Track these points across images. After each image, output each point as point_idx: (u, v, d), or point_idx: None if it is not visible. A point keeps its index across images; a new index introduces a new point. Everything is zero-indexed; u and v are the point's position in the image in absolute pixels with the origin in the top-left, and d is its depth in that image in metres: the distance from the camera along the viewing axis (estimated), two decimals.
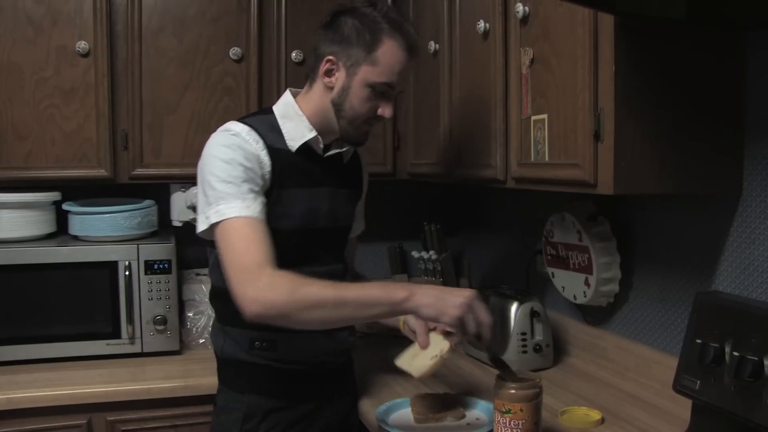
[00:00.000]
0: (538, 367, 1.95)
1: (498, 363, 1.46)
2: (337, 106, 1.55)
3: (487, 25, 1.76)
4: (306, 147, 1.57)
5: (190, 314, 2.32)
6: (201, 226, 1.47)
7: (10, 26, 2.06)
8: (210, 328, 2.25)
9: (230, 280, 1.38)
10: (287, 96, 1.62)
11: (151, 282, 2.15)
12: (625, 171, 1.36)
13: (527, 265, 2.25)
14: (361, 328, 2.28)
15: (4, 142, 2.09)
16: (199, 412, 1.96)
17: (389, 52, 1.52)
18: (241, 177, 1.45)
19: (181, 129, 2.22)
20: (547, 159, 1.55)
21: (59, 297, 2.10)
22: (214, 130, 2.17)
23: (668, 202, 1.72)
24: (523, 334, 1.95)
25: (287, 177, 1.53)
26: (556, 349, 2.04)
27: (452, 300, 1.35)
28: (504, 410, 1.38)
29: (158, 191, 2.35)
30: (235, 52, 2.24)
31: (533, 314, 1.97)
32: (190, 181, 2.26)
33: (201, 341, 2.29)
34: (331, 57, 1.54)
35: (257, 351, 1.57)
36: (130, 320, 2.13)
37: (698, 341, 1.39)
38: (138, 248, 2.15)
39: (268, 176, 1.50)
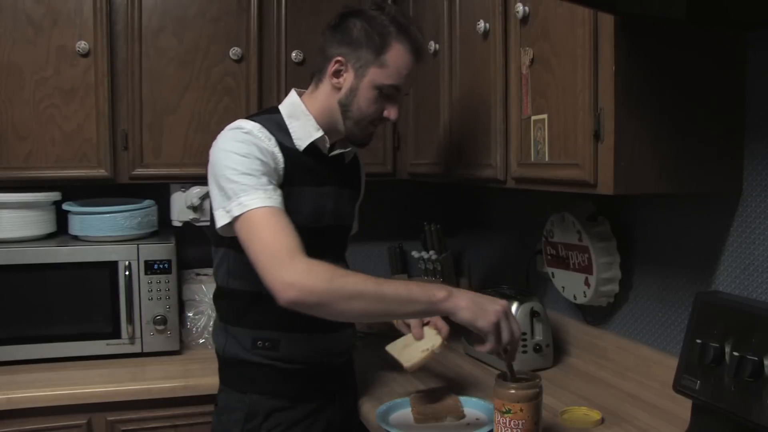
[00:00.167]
0: (538, 367, 1.94)
1: (509, 369, 1.46)
2: (344, 106, 1.57)
3: (487, 25, 1.76)
4: (312, 146, 1.58)
5: (190, 314, 2.32)
6: (221, 221, 1.44)
7: (10, 26, 2.06)
8: (210, 328, 2.26)
9: (263, 269, 1.34)
10: (293, 96, 1.63)
11: (151, 282, 2.15)
12: (625, 171, 1.36)
13: (527, 265, 2.25)
14: (361, 328, 2.28)
15: (4, 142, 2.09)
16: (199, 412, 1.96)
17: (397, 55, 1.54)
18: (260, 170, 1.44)
19: (181, 129, 2.22)
20: (547, 159, 1.55)
21: (59, 297, 2.10)
22: (214, 130, 2.17)
23: (668, 202, 1.72)
24: (523, 334, 1.95)
25: (296, 176, 1.54)
26: (556, 349, 2.04)
27: (489, 306, 1.36)
28: (504, 410, 1.38)
29: (158, 191, 2.35)
30: (235, 52, 2.24)
31: (533, 314, 1.97)
32: (190, 181, 2.27)
33: (201, 341, 2.29)
34: (339, 58, 1.55)
35: (259, 350, 1.57)
36: (130, 320, 2.13)
37: (698, 341, 1.39)
38: (138, 248, 2.15)
39: (281, 172, 1.51)
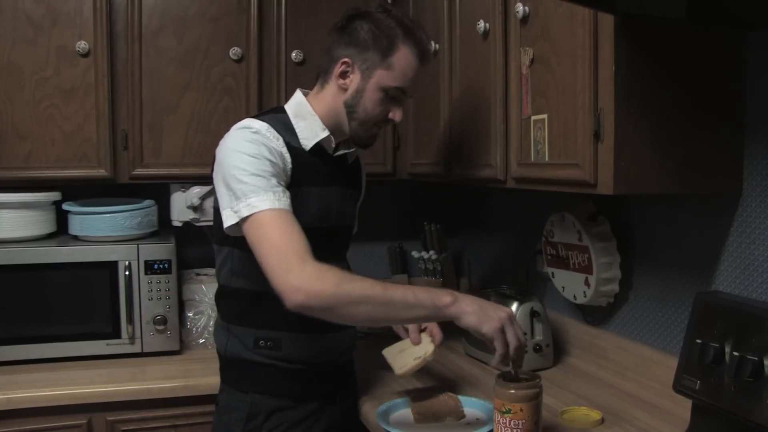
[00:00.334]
0: (538, 367, 1.94)
1: (516, 374, 1.45)
2: (350, 107, 1.58)
3: (487, 25, 1.76)
4: (317, 146, 1.58)
5: (190, 314, 2.32)
6: (229, 221, 1.44)
7: (10, 26, 2.06)
8: (210, 328, 2.26)
9: (271, 271, 1.35)
10: (299, 96, 1.64)
11: (151, 282, 2.15)
12: (625, 171, 1.36)
13: (527, 265, 2.25)
14: (361, 329, 2.28)
15: (4, 142, 2.09)
16: (199, 412, 1.96)
17: (404, 58, 1.55)
18: (269, 171, 1.45)
19: (181, 129, 2.22)
20: (547, 159, 1.55)
21: (59, 297, 2.10)
22: (214, 130, 2.22)
23: (668, 202, 1.72)
24: (524, 334, 1.95)
25: (303, 176, 1.54)
26: (556, 349, 2.04)
27: (494, 312, 1.38)
28: (504, 410, 1.38)
29: (158, 191, 2.35)
30: (235, 52, 2.24)
31: (533, 314, 1.97)
32: (190, 181, 2.27)
33: (201, 341, 2.29)
34: (346, 59, 1.56)
35: (261, 350, 1.57)
36: (130, 320, 2.13)
37: (698, 341, 1.39)
38: (138, 248, 2.15)
39: (289, 173, 1.51)
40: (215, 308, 1.70)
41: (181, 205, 2.32)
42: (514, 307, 1.96)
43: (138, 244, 2.15)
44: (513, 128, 1.69)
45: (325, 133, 1.59)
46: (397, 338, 1.80)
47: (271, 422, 1.58)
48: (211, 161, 1.56)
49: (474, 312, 1.37)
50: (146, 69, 2.18)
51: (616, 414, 1.64)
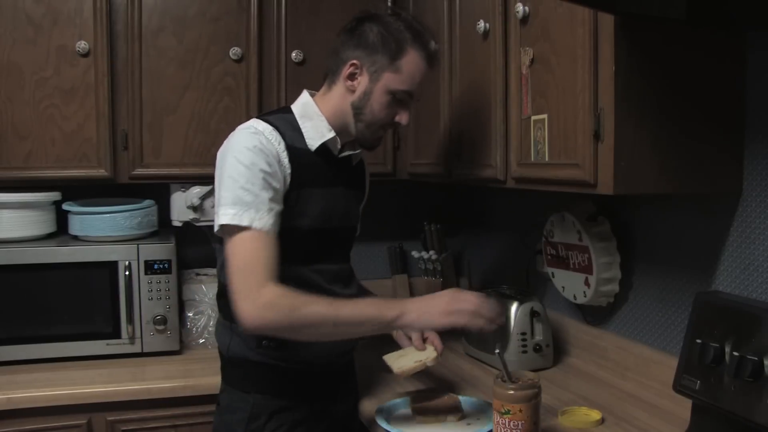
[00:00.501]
0: (538, 367, 1.95)
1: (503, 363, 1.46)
2: (357, 109, 1.58)
3: (487, 25, 1.76)
4: (323, 147, 1.58)
5: (190, 314, 2.32)
6: (215, 224, 1.48)
7: (10, 26, 2.06)
8: (210, 328, 2.26)
9: (232, 291, 1.42)
10: (305, 96, 1.64)
11: (151, 282, 2.15)
12: (625, 171, 1.36)
13: (527, 265, 2.25)
14: None
15: (4, 142, 2.08)
16: (199, 412, 1.96)
17: (412, 62, 1.56)
18: (260, 184, 1.46)
19: (181, 129, 2.22)
20: (547, 159, 1.55)
21: (59, 297, 2.10)
22: (214, 130, 2.22)
23: (668, 202, 1.72)
24: (523, 334, 1.95)
25: (306, 177, 1.55)
26: (556, 349, 2.04)
27: (436, 306, 1.46)
28: (503, 411, 1.38)
29: (158, 191, 2.35)
30: (235, 52, 2.24)
31: (533, 314, 1.97)
32: (190, 181, 2.27)
33: (201, 341, 2.29)
34: (355, 61, 1.56)
35: (265, 350, 1.57)
36: (130, 320, 2.13)
37: (698, 341, 1.39)
38: (138, 248, 2.15)
39: (288, 177, 1.51)
40: (215, 308, 1.70)
41: (181, 205, 2.32)
42: (514, 307, 1.96)
43: (138, 244, 2.15)
44: (513, 128, 1.69)
45: (331, 134, 1.59)
46: (397, 344, 1.80)
47: (273, 423, 1.57)
48: (212, 161, 1.56)
49: (419, 318, 1.45)
50: (146, 69, 2.18)
51: (616, 414, 1.64)
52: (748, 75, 1.45)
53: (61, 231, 2.28)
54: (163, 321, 2.15)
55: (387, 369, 1.73)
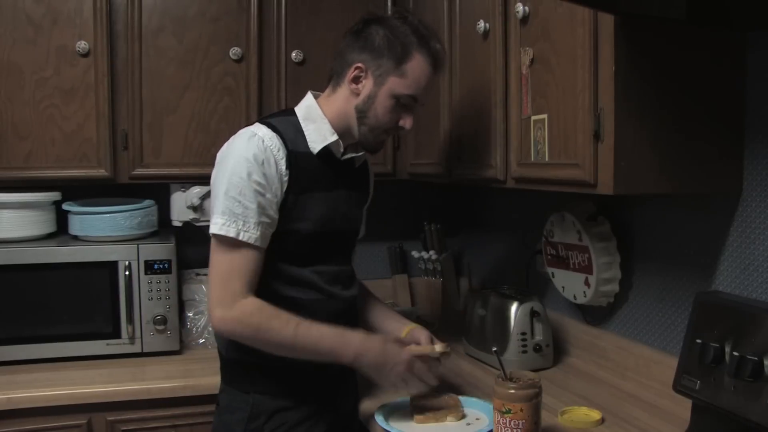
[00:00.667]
0: (538, 367, 1.95)
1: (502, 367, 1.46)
2: (361, 112, 1.58)
3: (487, 25, 1.76)
4: (325, 150, 1.58)
5: (190, 314, 2.32)
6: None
7: (10, 26, 2.06)
8: (210, 328, 2.26)
9: (208, 296, 1.51)
10: (309, 98, 1.64)
11: (151, 282, 2.15)
12: (625, 171, 1.36)
13: (527, 265, 2.25)
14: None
15: (4, 142, 2.09)
16: (199, 412, 1.96)
17: (417, 66, 1.55)
18: (251, 196, 1.47)
19: (181, 129, 2.22)
20: (547, 159, 1.55)
21: (59, 297, 2.10)
22: (214, 130, 2.22)
23: (668, 202, 1.72)
24: (523, 334, 1.95)
25: (306, 181, 1.55)
26: (556, 349, 2.04)
27: (392, 369, 1.53)
28: (504, 410, 1.38)
29: (158, 191, 2.35)
30: (235, 52, 2.24)
31: (533, 314, 1.97)
32: (190, 181, 2.27)
33: (201, 341, 2.29)
34: (360, 64, 1.56)
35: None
36: (130, 320, 2.13)
37: (698, 341, 1.39)
38: (138, 248, 2.15)
39: (285, 183, 1.52)
40: None
41: (181, 205, 2.32)
42: (514, 307, 1.96)
43: (138, 244, 2.15)
44: (513, 128, 1.69)
45: (334, 137, 1.59)
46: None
47: (273, 423, 1.57)
48: (212, 161, 1.57)
49: (372, 371, 1.54)
50: (146, 69, 2.18)
51: (616, 414, 1.64)
52: (748, 75, 1.45)
53: (61, 231, 2.28)
54: (163, 321, 2.15)
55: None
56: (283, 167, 1.51)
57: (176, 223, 2.35)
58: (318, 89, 1.67)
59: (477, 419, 1.62)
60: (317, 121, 1.59)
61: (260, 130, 1.52)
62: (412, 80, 1.55)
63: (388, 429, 1.55)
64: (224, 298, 1.46)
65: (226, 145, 1.55)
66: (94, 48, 2.12)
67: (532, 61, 1.59)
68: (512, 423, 1.37)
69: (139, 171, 2.20)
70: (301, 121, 1.59)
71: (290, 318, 1.48)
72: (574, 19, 1.42)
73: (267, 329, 1.46)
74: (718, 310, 1.39)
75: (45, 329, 2.09)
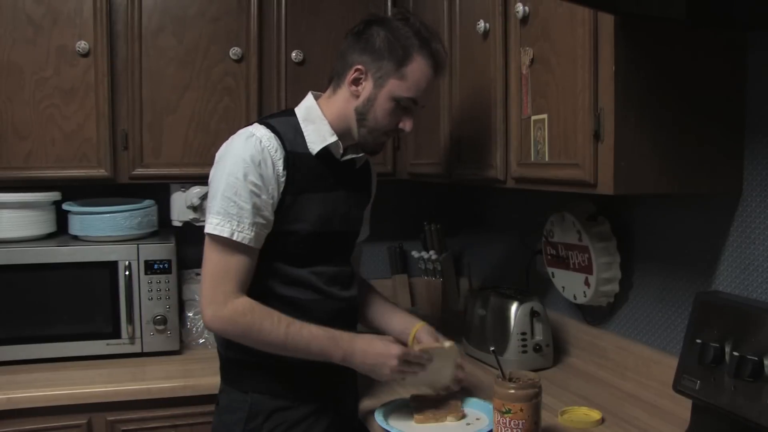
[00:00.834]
0: (538, 367, 1.95)
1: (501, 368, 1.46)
2: (361, 115, 1.58)
3: (487, 25, 1.76)
4: (325, 151, 1.58)
5: (190, 314, 2.32)
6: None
7: (10, 26, 2.06)
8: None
9: (201, 294, 1.51)
10: (309, 99, 1.64)
11: (151, 282, 2.15)
12: (625, 171, 1.36)
13: (527, 265, 2.25)
14: (361, 329, 2.27)
15: (4, 142, 2.09)
16: (199, 412, 1.96)
17: (418, 69, 1.55)
18: (247, 197, 1.47)
19: (181, 129, 2.22)
20: (547, 159, 1.55)
21: (59, 297, 2.10)
22: (214, 130, 2.22)
23: (668, 202, 1.72)
24: (523, 334, 1.95)
25: (304, 182, 1.55)
26: (556, 349, 2.04)
27: (382, 364, 1.52)
28: (504, 410, 1.38)
29: (158, 191, 2.35)
30: (235, 52, 2.24)
31: (533, 314, 1.97)
32: (190, 181, 2.27)
33: (201, 341, 2.30)
34: (359, 66, 1.56)
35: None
36: (130, 320, 2.13)
37: (698, 341, 1.39)
38: (138, 248, 2.15)
39: (282, 184, 1.52)
40: None
41: (181, 205, 2.32)
42: (514, 307, 1.96)
43: (138, 244, 2.15)
44: (513, 128, 1.69)
45: (333, 138, 1.59)
46: None
47: (271, 422, 1.58)
48: (212, 161, 1.57)
49: (363, 370, 1.55)
50: (146, 69, 2.18)
51: (616, 414, 1.64)
52: (748, 75, 1.45)
53: (61, 231, 2.28)
54: (163, 321, 2.15)
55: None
56: (281, 168, 1.51)
57: (176, 223, 2.35)
58: (318, 89, 1.67)
59: (477, 419, 1.62)
60: (316, 122, 1.59)
61: (258, 131, 1.52)
62: (413, 83, 1.55)
63: (388, 429, 1.55)
64: (216, 298, 1.47)
65: (224, 145, 1.55)
66: (94, 48, 2.12)
67: (532, 61, 1.59)
68: (512, 423, 1.37)
69: (139, 171, 2.20)
70: (300, 122, 1.59)
71: (281, 318, 1.49)
72: (574, 19, 1.42)
73: (258, 329, 1.47)
74: (718, 310, 1.39)
75: (45, 329, 2.09)
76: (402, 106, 1.57)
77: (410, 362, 1.56)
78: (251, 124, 1.59)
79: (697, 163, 1.43)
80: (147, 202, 2.28)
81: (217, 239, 1.49)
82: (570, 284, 1.97)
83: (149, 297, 2.15)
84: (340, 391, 1.69)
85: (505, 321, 1.97)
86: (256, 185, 1.48)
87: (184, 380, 1.98)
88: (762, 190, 1.45)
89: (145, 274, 2.15)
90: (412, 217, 2.78)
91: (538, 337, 1.97)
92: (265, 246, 1.53)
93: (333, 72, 1.64)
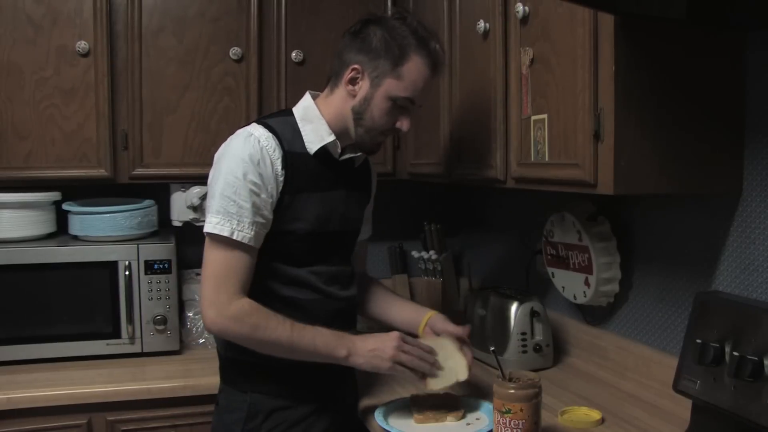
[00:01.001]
0: (538, 367, 1.94)
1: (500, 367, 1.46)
2: (358, 114, 1.58)
3: (487, 25, 1.76)
4: (323, 150, 1.58)
5: (190, 314, 2.32)
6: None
7: (10, 26, 2.06)
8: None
9: (201, 296, 1.49)
10: (307, 99, 1.64)
11: (151, 282, 2.15)
12: (625, 171, 1.36)
13: (527, 265, 2.25)
14: (361, 329, 2.28)
15: (4, 142, 2.09)
16: (199, 412, 1.96)
17: (415, 69, 1.54)
18: (246, 196, 1.47)
19: (181, 129, 2.22)
20: (547, 159, 1.55)
21: (59, 297, 2.10)
22: (214, 130, 2.22)
23: (668, 202, 1.72)
24: (523, 334, 1.95)
25: (302, 181, 1.55)
26: (556, 349, 2.04)
27: (382, 352, 1.51)
28: (504, 410, 1.38)
29: (158, 191, 2.35)
30: (235, 52, 2.24)
31: (533, 314, 1.97)
32: (190, 181, 2.27)
33: (201, 341, 2.30)
34: (356, 66, 1.55)
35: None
36: (130, 320, 2.13)
37: (698, 341, 1.39)
38: (138, 248, 2.15)
39: (281, 184, 1.52)
40: None
41: (181, 205, 2.32)
42: (514, 307, 1.96)
43: (138, 244, 2.15)
44: (513, 128, 1.69)
45: (331, 138, 1.59)
46: None
47: (271, 422, 1.58)
48: (212, 161, 1.57)
49: (366, 362, 1.52)
50: (146, 69, 2.18)
51: (616, 414, 1.64)
52: (748, 75, 1.45)
53: (61, 231, 2.28)
54: (163, 321, 2.15)
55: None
56: (279, 167, 1.51)
57: (176, 223, 2.35)
58: (318, 89, 1.67)
59: (477, 419, 1.62)
60: (314, 122, 1.59)
61: (257, 131, 1.52)
62: (409, 82, 1.54)
63: (388, 429, 1.55)
64: (218, 298, 1.46)
65: (223, 145, 1.55)
66: (94, 48, 2.12)
67: (532, 61, 1.59)
68: (512, 423, 1.37)
69: (139, 171, 2.20)
70: (298, 122, 1.59)
71: (285, 318, 1.49)
72: (574, 19, 1.42)
73: (264, 330, 1.46)
74: (718, 310, 1.39)
75: (45, 329, 2.09)
76: (399, 106, 1.57)
77: (410, 353, 1.53)
78: (249, 124, 1.59)
79: (697, 163, 1.43)
80: (147, 202, 2.28)
81: (217, 239, 1.48)
82: (570, 284, 1.97)
83: (149, 297, 2.15)
84: (339, 390, 1.69)
85: (505, 321, 1.97)
86: (255, 184, 1.48)
87: (184, 380, 1.98)
88: (762, 190, 1.45)
89: (145, 274, 2.15)
90: (412, 217, 2.78)
91: (538, 337, 1.97)
92: (263, 246, 1.53)
93: (330, 71, 1.64)
